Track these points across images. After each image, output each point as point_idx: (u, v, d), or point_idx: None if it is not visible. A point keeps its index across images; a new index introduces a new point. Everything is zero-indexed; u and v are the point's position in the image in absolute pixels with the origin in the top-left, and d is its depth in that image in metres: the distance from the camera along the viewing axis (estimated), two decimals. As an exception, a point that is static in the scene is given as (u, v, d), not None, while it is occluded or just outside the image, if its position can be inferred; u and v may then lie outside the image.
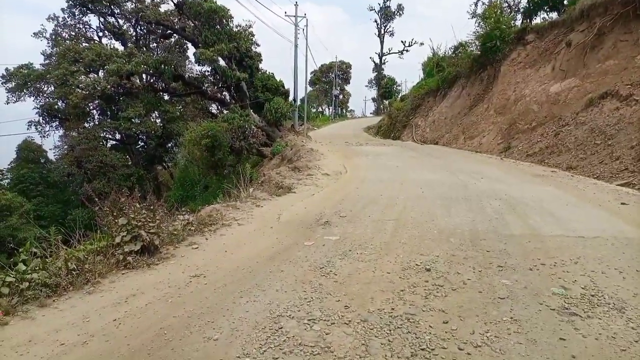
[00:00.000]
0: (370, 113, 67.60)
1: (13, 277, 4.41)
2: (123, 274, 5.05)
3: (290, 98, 27.34)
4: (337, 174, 12.46)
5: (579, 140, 13.25)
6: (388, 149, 20.05)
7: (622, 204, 8.10)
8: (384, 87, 63.49)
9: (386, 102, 59.81)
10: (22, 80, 24.04)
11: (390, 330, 3.65)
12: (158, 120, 26.69)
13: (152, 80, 25.09)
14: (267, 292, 4.48)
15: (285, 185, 10.89)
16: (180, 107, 28.01)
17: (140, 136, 25.99)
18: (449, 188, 9.86)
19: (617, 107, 12.97)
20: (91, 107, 25.44)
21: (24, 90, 24.46)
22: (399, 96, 54.53)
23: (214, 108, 29.46)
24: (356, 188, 10.20)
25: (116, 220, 5.49)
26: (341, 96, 64.55)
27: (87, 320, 3.90)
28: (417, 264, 5.17)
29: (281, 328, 3.73)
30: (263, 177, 13.55)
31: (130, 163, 24.95)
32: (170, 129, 25.57)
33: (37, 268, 4.58)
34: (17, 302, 4.11)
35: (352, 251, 5.70)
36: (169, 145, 27.89)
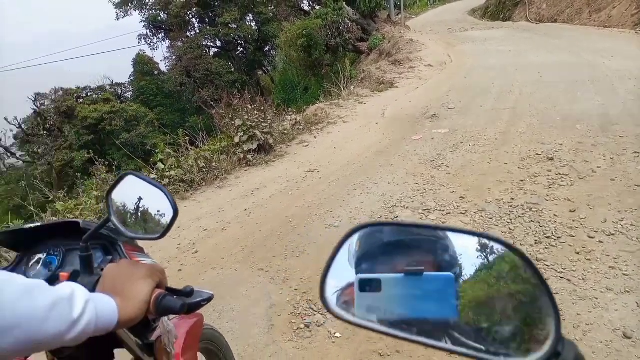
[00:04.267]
0: (475, -7, 60.30)
1: (155, 174, 5.04)
2: (245, 170, 5.50)
3: (385, -16, 25.22)
4: (442, 65, 11.66)
5: None
6: (497, 32, 18.04)
7: None
8: (492, -40, 55.32)
9: (494, -22, 52.54)
10: (125, -6, 25.21)
11: (510, 220, 3.58)
12: (253, 24, 26.69)
13: (244, -19, 24.70)
14: (379, 184, 4.59)
15: (387, 80, 10.53)
16: (273, 7, 27.53)
17: (238, 41, 26.41)
18: (573, 70, 8.73)
19: None
20: (190, 16, 26.11)
21: (129, 4, 25.73)
22: (510, -31, 47.43)
23: (305, 5, 28.46)
24: (464, 77, 9.53)
25: (233, 122, 5.85)
26: (441, -23, 57.93)
27: (222, 210, 4.39)
28: (537, 154, 4.85)
29: (397, 217, 3.85)
30: (363, 74, 13.20)
31: (233, 70, 25.82)
32: (266, 31, 25.51)
33: (174, 166, 5.15)
34: (163, 196, 4.73)
35: (463, 143, 5.50)
36: (267, 49, 28.05)
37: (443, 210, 3.89)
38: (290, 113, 7.98)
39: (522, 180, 4.26)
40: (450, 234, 0.68)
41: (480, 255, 0.68)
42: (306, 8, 28.49)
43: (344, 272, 0.69)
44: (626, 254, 2.91)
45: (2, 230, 1.09)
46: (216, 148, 5.82)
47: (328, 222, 3.89)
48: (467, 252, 0.67)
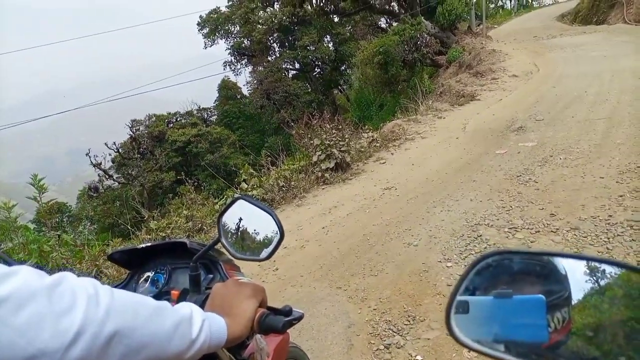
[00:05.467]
0: (563, -3, 56.74)
1: (239, 194, 5.31)
2: (323, 188, 5.61)
3: (466, -4, 24.62)
4: (528, 74, 11.07)
5: None
6: (590, 37, 16.76)
7: None
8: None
9: (585, -22, 49.15)
10: (213, 25, 27.19)
11: (608, 238, 3.28)
12: (330, 45, 27.39)
13: (322, 4, 25.55)
14: (460, 201, 4.44)
15: (467, 93, 10.21)
16: (350, 27, 28.06)
17: (316, 62, 27.21)
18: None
19: None
20: (271, 41, 27.47)
21: (216, 34, 27.71)
22: (603, -33, 44.11)
23: (382, 22, 28.65)
24: (553, 87, 8.96)
25: (311, 142, 6.02)
26: (524, -17, 55.33)
27: (300, 228, 4.51)
28: (638, 167, 4.41)
29: (480, 236, 3.69)
30: (441, 88, 12.93)
31: (310, 90, 26.61)
32: (343, 51, 26.03)
33: (256, 186, 5.40)
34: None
35: (553, 157, 5.16)
36: (343, 68, 28.57)
37: (532, 229, 3.66)
38: (367, 130, 8.02)
39: (620, 196, 3.89)
40: (562, 260, 0.67)
41: (590, 280, 0.66)
42: (383, 25, 28.67)
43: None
44: None
45: (118, 250, 1.21)
46: (295, 167, 6.01)
47: (406, 241, 3.82)
48: (574, 276, 0.66)
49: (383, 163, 6.30)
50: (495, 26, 30.85)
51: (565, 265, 0.66)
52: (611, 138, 5.38)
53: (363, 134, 7.91)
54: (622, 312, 0.63)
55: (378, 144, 7.07)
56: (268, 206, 1.01)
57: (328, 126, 6.30)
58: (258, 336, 1.11)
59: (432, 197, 4.71)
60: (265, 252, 0.99)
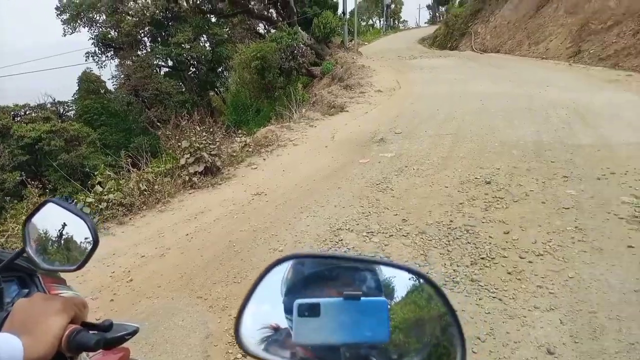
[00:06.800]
0: (425, 23, 63.07)
1: (92, 198, 4.82)
2: (190, 193, 5.37)
3: (339, 11, 25.95)
4: (391, 90, 12.06)
5: (664, 38, 11.80)
6: (444, 61, 18.95)
7: None
8: (440, -8, 58.34)
9: (442, 8, 55.47)
10: (75, 11, 24.38)
11: (449, 241, 3.69)
12: (207, 45, 26.57)
13: (198, 2, 24.68)
14: (325, 207, 4.62)
15: (338, 104, 10.73)
16: (228, 29, 27.58)
17: (191, 62, 26.13)
18: (512, 99, 9.28)
19: None
20: (142, 35, 25.67)
21: (78, 21, 24.94)
22: (457, 1, 50.23)
23: (261, 28, 28.72)
24: (411, 104, 9.88)
25: (179, 144, 5.74)
26: (393, 5, 60.35)
27: (162, 235, 4.25)
28: (476, 177, 5.07)
29: (341, 240, 3.88)
30: (315, 97, 13.40)
31: (184, 90, 25.45)
32: (220, 52, 25.43)
33: (112, 189, 4.95)
34: (98, 221, 4.51)
35: (408, 167, 5.66)
36: (220, 69, 27.92)
37: (386, 233, 3.95)
38: (240, 135, 7.94)
39: (460, 203, 4.42)
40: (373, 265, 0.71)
41: (412, 277, 0.69)
42: (261, 31, 28.77)
43: (266, 306, 0.69)
44: (552, 273, 3.07)
45: None
46: (160, 170, 5.66)
47: (272, 246, 3.85)
48: (399, 276, 0.69)
49: (254, 168, 6.27)
50: (365, 43, 33.08)
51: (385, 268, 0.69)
52: (455, 152, 6.09)
53: (236, 138, 7.81)
54: (436, 308, 0.68)
55: (250, 149, 7.03)
56: (81, 210, 0.91)
57: (198, 128, 6.07)
58: (83, 355, 0.99)
59: (300, 202, 4.82)
60: (76, 262, 0.89)
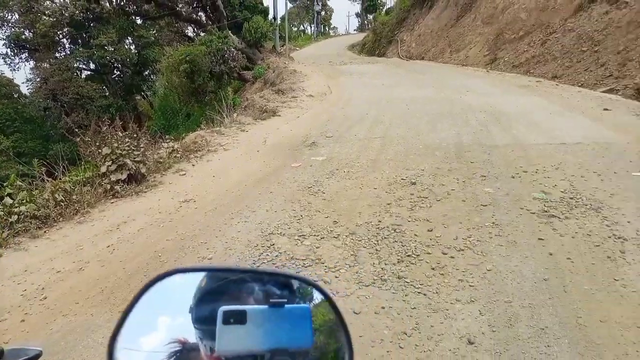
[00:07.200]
0: (354, 30, 64.85)
1: (1, 210, 4.41)
2: (112, 202, 5.08)
3: (270, 16, 25.92)
4: (322, 95, 12.23)
5: (566, 48, 13.00)
6: (373, 67, 19.55)
7: (605, 109, 8.16)
8: (368, 0, 60.32)
9: (370, 16, 57.31)
10: (-18, 9, 22.37)
11: (377, 241, 3.79)
12: (132, 47, 25.38)
13: (122, 3, 23.50)
14: (257, 212, 4.57)
15: (270, 108, 10.70)
16: (155, 31, 26.54)
17: (115, 65, 24.80)
18: (435, 104, 9.78)
19: (606, 11, 12.58)
20: (61, 36, 23.97)
21: (-13, 21, 22.85)
22: (384, 9, 52.14)
23: (190, 31, 27.96)
24: (341, 108, 10.08)
25: (100, 151, 5.42)
26: (323, 12, 61.42)
27: (80, 248, 3.98)
28: (403, 179, 5.26)
29: (273, 245, 3.85)
30: (246, 102, 13.27)
31: (107, 94, 24.10)
32: (146, 55, 24.40)
33: (24, 201, 4.57)
34: (8, 235, 4.14)
35: (339, 170, 5.75)
36: (146, 73, 26.78)
37: (318, 235, 3.98)
38: (168, 140, 7.65)
39: (388, 204, 4.56)
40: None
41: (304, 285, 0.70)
42: (190, 34, 28.01)
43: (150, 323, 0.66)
44: (472, 267, 3.26)
45: None
46: (79, 179, 5.30)
47: (202, 255, 3.73)
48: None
49: (183, 175, 6.07)
50: (297, 48, 33.37)
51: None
52: (384, 154, 6.29)
53: (163, 143, 7.52)
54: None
55: (179, 155, 6.80)
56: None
57: (121, 134, 5.76)
58: None
59: (230, 208, 4.73)
60: None
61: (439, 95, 10.83)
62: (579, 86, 10.93)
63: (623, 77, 10.25)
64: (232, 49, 22.06)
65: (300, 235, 3.99)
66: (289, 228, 4.16)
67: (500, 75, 14.33)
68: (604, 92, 9.94)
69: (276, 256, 3.64)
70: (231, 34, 22.57)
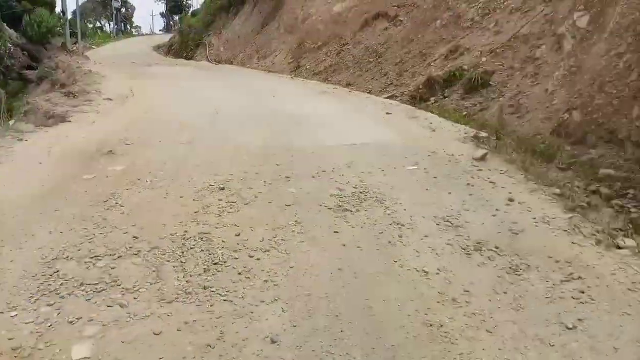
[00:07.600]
0: (160, 31, 61.64)
1: None
2: None
3: (58, 10, 22.82)
4: (123, 99, 11.19)
5: (357, 59, 14.67)
6: (180, 70, 18.87)
7: (387, 114, 9.45)
8: (173, 0, 58.03)
9: (176, 18, 55.27)
10: None
11: (182, 253, 3.62)
12: None
13: None
14: (37, 236, 3.90)
15: (58, 114, 9.31)
16: None
17: None
18: (243, 108, 9.91)
19: (386, 28, 14.65)
20: None
21: None
22: (190, 11, 50.87)
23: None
24: (145, 112, 9.40)
25: None
26: (124, 9, 56.71)
27: None
28: (211, 185, 5.15)
29: (57, 272, 3.33)
30: (27, 106, 11.31)
31: None
32: None
33: None
34: None
35: (141, 180, 5.32)
36: None
37: (114, 255, 3.60)
38: None
39: (196, 212, 4.41)
40: None
41: None
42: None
43: None
44: (277, 267, 3.37)
45: None
46: None
47: (-45, 297, 2.99)
48: None
49: None
50: (94, 47, 30.11)
51: None
52: (191, 160, 6.07)
53: None
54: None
55: None
56: None
57: None
58: None
59: (0, 235, 3.92)
60: None
61: (247, 100, 11.02)
62: (368, 93, 12.44)
63: (401, 85, 12.07)
64: (9, 45, 18.80)
65: (92, 257, 3.55)
66: (79, 250, 3.66)
67: (304, 82, 15.36)
68: (387, 98, 11.50)
69: (61, 285, 3.15)
70: (7, 28, 19.19)
